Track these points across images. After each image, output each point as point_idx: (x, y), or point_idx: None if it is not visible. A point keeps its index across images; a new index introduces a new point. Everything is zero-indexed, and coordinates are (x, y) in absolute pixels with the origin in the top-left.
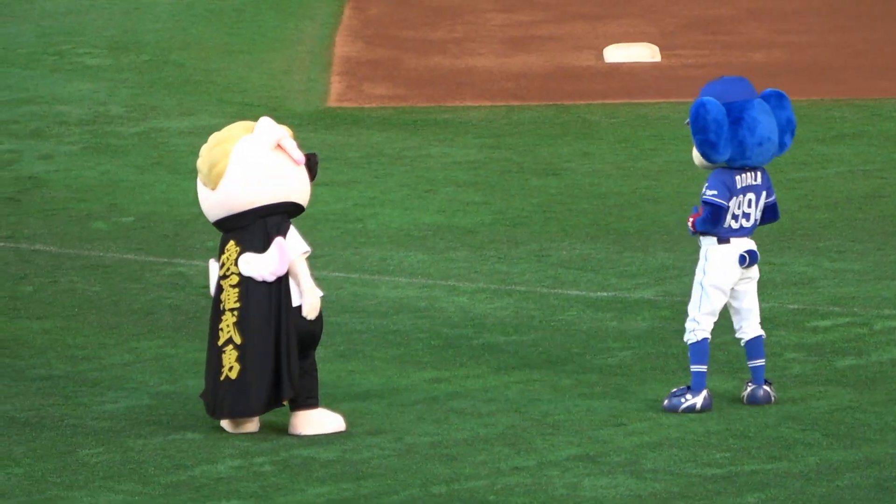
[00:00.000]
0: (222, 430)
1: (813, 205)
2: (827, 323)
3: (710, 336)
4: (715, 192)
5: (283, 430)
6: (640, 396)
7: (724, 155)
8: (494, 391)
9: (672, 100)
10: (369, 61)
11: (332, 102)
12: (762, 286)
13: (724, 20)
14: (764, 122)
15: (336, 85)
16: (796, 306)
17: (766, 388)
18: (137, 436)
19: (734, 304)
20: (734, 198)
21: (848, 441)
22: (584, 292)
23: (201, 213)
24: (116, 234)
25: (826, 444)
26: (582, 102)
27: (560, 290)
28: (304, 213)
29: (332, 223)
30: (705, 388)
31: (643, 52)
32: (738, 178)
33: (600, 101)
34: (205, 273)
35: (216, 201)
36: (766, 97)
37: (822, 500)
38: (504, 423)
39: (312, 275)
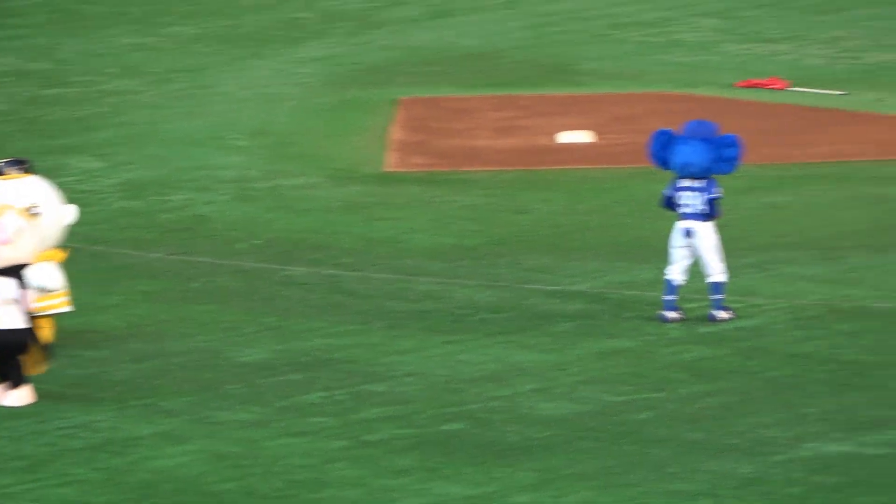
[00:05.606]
0: (316, 370)
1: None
2: (694, 305)
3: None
4: (664, 190)
5: (351, 373)
6: (577, 353)
7: (659, 165)
8: (485, 349)
9: (603, 165)
10: (412, 142)
11: (388, 168)
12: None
13: (637, 116)
14: (686, 152)
15: (391, 157)
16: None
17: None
18: (261, 377)
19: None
20: (680, 193)
21: (706, 379)
22: (543, 286)
23: (304, 236)
24: (253, 251)
25: (691, 381)
26: (544, 167)
27: (527, 286)
28: (368, 235)
29: (387, 244)
30: (664, 309)
31: (584, 136)
32: (682, 181)
33: (556, 167)
34: (304, 276)
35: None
36: (717, 140)
37: (690, 416)
38: (490, 368)
39: None
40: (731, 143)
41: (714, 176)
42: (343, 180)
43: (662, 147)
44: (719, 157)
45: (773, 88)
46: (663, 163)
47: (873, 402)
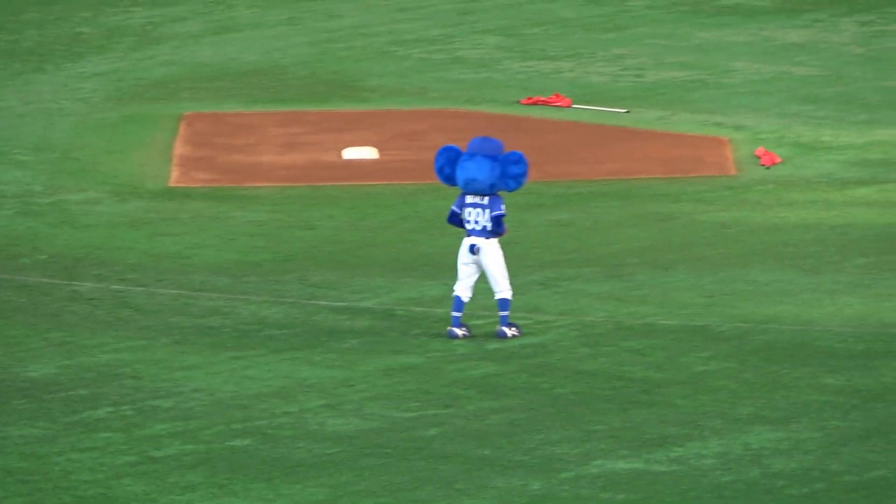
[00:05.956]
0: (102, 386)
1: None
2: (482, 321)
3: (458, 293)
4: (453, 205)
5: (138, 388)
6: (364, 369)
7: (445, 181)
8: (272, 364)
9: (388, 182)
10: (196, 158)
11: (172, 183)
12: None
13: (418, 132)
14: (470, 168)
15: (174, 172)
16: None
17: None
18: (47, 392)
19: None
20: (465, 209)
21: (494, 396)
22: (330, 302)
23: (89, 252)
24: (37, 266)
25: (479, 397)
26: (329, 184)
27: (314, 302)
28: (153, 250)
29: (172, 259)
30: (454, 325)
31: (368, 152)
32: (467, 197)
33: (341, 183)
34: (90, 291)
35: None
36: (502, 156)
37: (476, 433)
38: (278, 384)
39: None
40: (517, 159)
41: (499, 193)
42: (127, 196)
43: (447, 163)
44: (504, 174)
45: (557, 106)
46: (448, 179)
47: (660, 419)
